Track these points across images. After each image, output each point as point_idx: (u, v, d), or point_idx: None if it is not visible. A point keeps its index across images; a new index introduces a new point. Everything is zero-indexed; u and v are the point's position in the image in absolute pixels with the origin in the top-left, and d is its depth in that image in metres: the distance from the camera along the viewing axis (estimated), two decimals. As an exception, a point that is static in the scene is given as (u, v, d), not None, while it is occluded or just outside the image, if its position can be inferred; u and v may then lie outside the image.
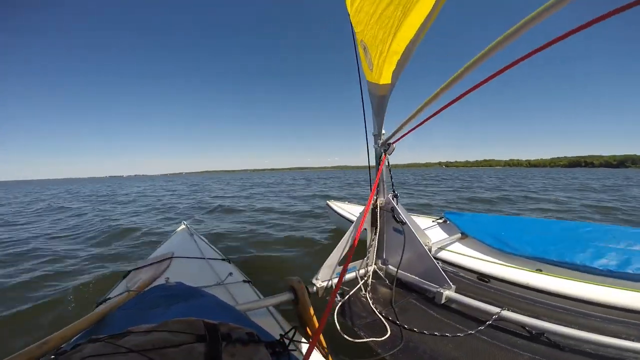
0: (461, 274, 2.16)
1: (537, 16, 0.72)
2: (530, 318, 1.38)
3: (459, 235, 2.74)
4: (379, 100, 1.57)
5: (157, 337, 0.67)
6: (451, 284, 1.70)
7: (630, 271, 1.84)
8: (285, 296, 1.55)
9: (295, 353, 0.83)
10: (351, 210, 4.26)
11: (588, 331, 1.25)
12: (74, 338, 0.89)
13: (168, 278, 1.84)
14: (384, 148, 1.94)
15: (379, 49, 1.25)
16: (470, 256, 2.37)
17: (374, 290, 1.93)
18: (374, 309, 1.67)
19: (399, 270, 1.98)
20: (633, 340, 1.19)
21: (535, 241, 2.31)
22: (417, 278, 1.88)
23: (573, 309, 1.58)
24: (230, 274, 2.04)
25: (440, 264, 2.26)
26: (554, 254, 2.13)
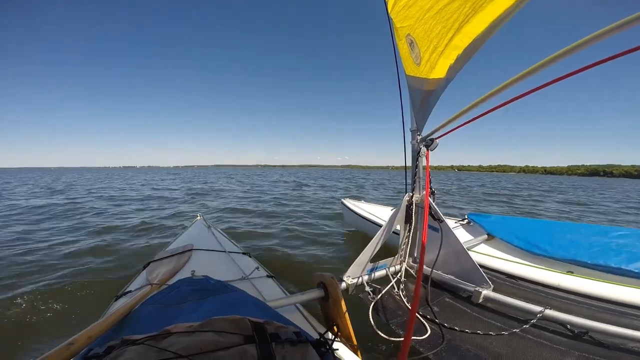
0: (491, 274, 2.13)
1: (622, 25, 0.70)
2: (573, 317, 1.38)
3: (485, 236, 2.71)
4: (425, 95, 1.56)
5: (203, 338, 0.63)
6: (490, 283, 1.68)
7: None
8: (316, 293, 1.51)
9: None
10: (369, 210, 4.16)
11: (632, 329, 1.25)
12: (101, 337, 0.84)
13: (194, 271, 1.73)
14: (427, 144, 1.91)
15: (434, 43, 1.24)
16: (498, 257, 2.35)
17: (406, 289, 1.91)
18: (409, 307, 1.64)
19: (433, 270, 1.95)
20: None
21: (566, 244, 2.29)
22: (452, 277, 1.87)
23: (611, 308, 1.58)
24: (257, 268, 1.99)
25: None
26: (586, 257, 2.11)
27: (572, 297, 1.80)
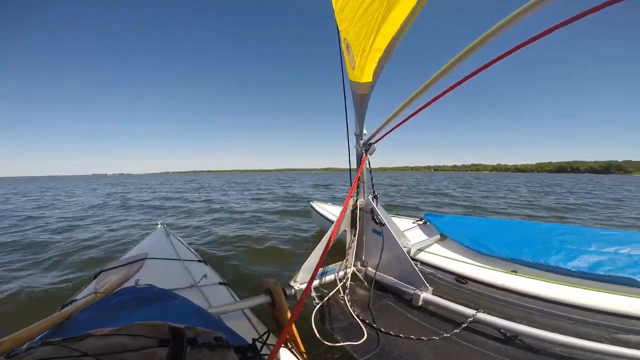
0: (439, 275, 2.17)
1: (527, 9, 0.71)
2: (505, 320, 1.38)
3: (438, 236, 2.75)
4: (360, 99, 1.55)
5: (116, 341, 0.65)
6: (428, 285, 1.69)
7: (602, 272, 1.89)
8: (261, 299, 1.52)
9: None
10: (335, 212, 4.22)
11: (560, 333, 1.26)
12: (33, 340, 0.86)
13: (138, 280, 1.77)
14: (365, 148, 1.92)
15: (362, 46, 1.22)
16: (449, 257, 2.38)
17: (352, 293, 1.91)
18: (352, 311, 1.65)
19: (377, 272, 1.96)
20: (603, 342, 1.21)
21: (512, 243, 2.34)
22: (394, 280, 1.88)
23: (546, 311, 1.60)
24: (205, 275, 1.97)
25: (419, 265, 2.28)
26: (529, 256, 2.16)
27: (514, 297, 1.84)
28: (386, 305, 1.74)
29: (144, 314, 0.95)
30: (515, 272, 2.11)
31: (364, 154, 1.94)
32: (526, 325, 1.34)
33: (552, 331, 1.28)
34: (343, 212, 1.95)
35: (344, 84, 1.87)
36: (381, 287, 1.93)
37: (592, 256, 2.05)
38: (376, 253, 1.96)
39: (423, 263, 2.39)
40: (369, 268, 2.04)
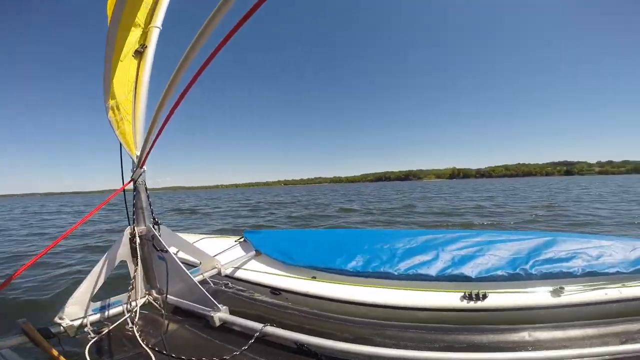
0: (255, 290, 2.20)
1: None
2: (290, 332, 1.40)
3: (254, 253, 2.82)
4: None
5: None
6: (219, 305, 1.67)
7: (370, 270, 2.24)
8: (16, 339, 1.40)
9: None
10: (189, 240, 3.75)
11: (347, 341, 1.31)
12: None
13: None
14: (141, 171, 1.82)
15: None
16: (263, 272, 2.45)
17: (145, 322, 1.73)
18: (141, 341, 1.47)
19: (172, 297, 1.86)
20: (384, 346, 1.28)
21: (311, 251, 2.57)
22: (191, 304, 1.80)
23: (338, 317, 1.66)
24: None
25: (235, 283, 2.28)
26: (324, 261, 2.39)
27: (315, 303, 1.94)
28: (184, 330, 1.65)
29: None
30: (315, 278, 2.28)
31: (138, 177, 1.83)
32: (313, 335, 1.37)
33: (339, 339, 1.34)
34: (122, 242, 1.82)
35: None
36: (179, 313, 1.82)
37: (368, 254, 2.39)
38: (164, 280, 1.85)
39: (240, 280, 2.40)
40: (165, 295, 1.89)
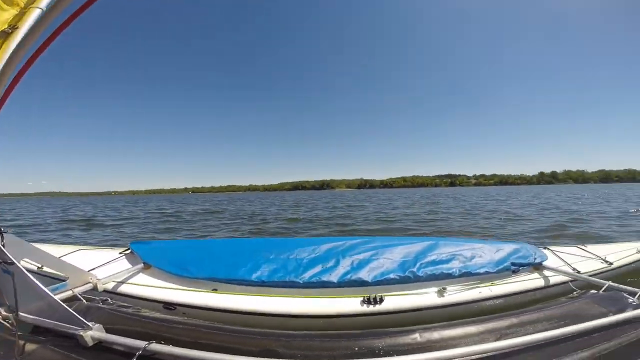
0: (143, 306, 2.01)
1: None
2: (184, 349, 1.33)
3: (142, 265, 2.58)
4: None
5: None
6: (91, 323, 1.48)
7: (276, 279, 2.27)
8: None
9: None
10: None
11: (251, 355, 1.26)
12: None
13: None
14: None
15: None
16: (154, 286, 2.26)
17: None
18: None
19: (27, 316, 1.58)
20: (290, 358, 1.30)
21: (211, 262, 2.47)
22: (53, 322, 1.55)
23: (242, 330, 1.60)
24: None
25: (117, 299, 2.05)
26: (226, 273, 2.33)
27: (217, 315, 1.87)
28: (46, 351, 1.45)
29: None
30: (216, 290, 2.21)
31: None
32: (216, 349, 1.31)
33: (244, 351, 1.32)
34: None
35: None
36: (41, 332, 1.57)
37: (272, 265, 2.40)
38: (17, 296, 1.55)
39: (125, 295, 2.18)
40: (22, 313, 1.57)
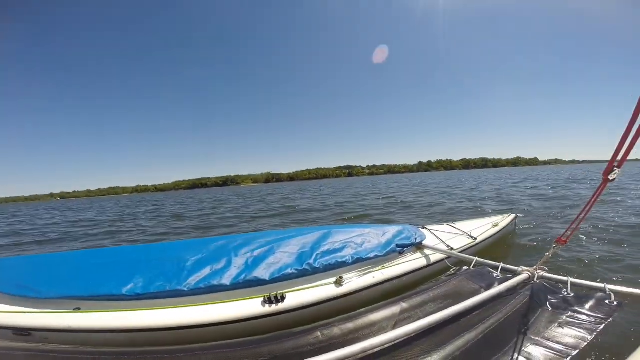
0: None
1: None
2: None
3: None
4: None
5: None
6: None
7: (154, 290, 1.96)
8: None
9: None
10: None
11: None
12: None
13: None
14: None
15: None
16: None
17: None
18: None
19: None
20: None
21: (70, 278, 2.04)
22: None
23: (116, 351, 1.44)
24: None
25: None
26: (90, 288, 1.94)
27: (86, 335, 1.62)
28: None
29: None
30: (79, 309, 1.83)
31: None
32: None
33: None
34: None
35: None
36: None
37: (146, 274, 2.06)
38: None
39: None
40: None
